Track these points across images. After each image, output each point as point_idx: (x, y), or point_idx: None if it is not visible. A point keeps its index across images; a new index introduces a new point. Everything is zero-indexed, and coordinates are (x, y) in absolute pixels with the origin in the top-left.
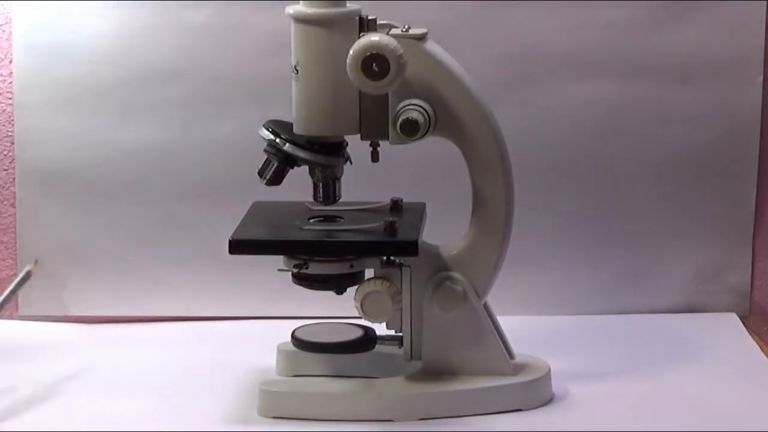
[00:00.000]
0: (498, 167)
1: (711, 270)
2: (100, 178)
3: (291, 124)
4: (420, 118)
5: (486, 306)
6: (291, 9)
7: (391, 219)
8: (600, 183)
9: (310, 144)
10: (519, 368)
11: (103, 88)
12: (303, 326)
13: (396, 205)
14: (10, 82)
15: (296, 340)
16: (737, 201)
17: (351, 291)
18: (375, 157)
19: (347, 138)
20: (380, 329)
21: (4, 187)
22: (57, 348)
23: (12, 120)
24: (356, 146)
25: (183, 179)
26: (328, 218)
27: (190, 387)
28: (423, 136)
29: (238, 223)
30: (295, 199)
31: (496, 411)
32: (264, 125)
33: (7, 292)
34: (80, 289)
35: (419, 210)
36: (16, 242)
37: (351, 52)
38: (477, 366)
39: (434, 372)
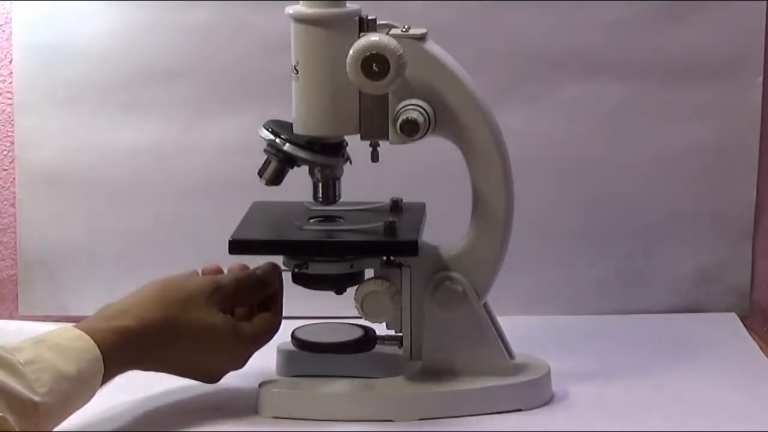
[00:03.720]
0: (498, 167)
1: (711, 270)
2: (100, 178)
3: (291, 124)
4: (420, 118)
5: (486, 306)
6: (291, 9)
7: (391, 219)
8: (600, 183)
9: (310, 144)
10: (519, 368)
11: (103, 87)
12: (303, 326)
13: (396, 205)
14: (10, 82)
15: (296, 340)
16: (737, 201)
17: (351, 291)
18: (375, 157)
19: (347, 138)
20: (380, 329)
21: (4, 187)
22: None
23: (12, 120)
24: (356, 146)
25: (183, 179)
26: (328, 218)
27: (190, 387)
28: (423, 136)
29: (238, 223)
30: (295, 199)
31: (496, 411)
32: (264, 125)
33: None
34: (80, 289)
35: (419, 210)
36: (16, 242)
37: (351, 52)
38: (477, 366)
39: (434, 372)
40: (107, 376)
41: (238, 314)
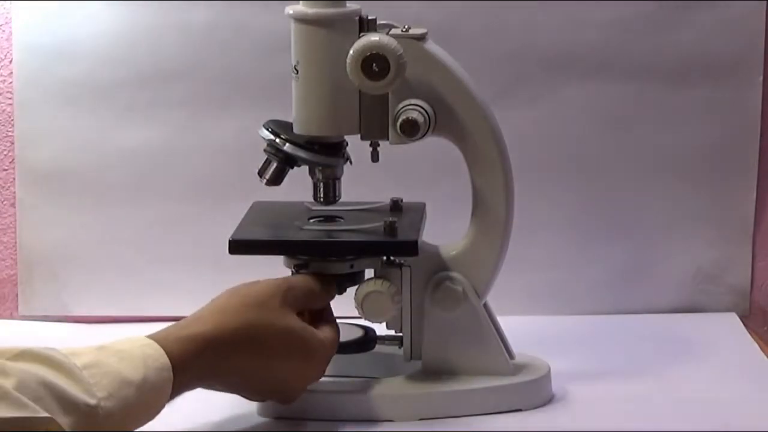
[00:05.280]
0: (498, 167)
1: (711, 270)
2: (100, 178)
3: (291, 124)
4: (420, 118)
5: (486, 306)
6: (291, 9)
7: (391, 219)
8: (599, 183)
9: (310, 144)
10: (519, 368)
11: (103, 88)
12: None
13: (396, 205)
14: (10, 82)
15: None
16: (737, 201)
17: (351, 291)
18: (375, 157)
19: (347, 138)
20: (380, 329)
21: (4, 187)
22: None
23: (12, 120)
24: (356, 146)
25: (183, 179)
26: (328, 218)
27: None
28: (423, 136)
29: (238, 223)
30: (295, 199)
31: (496, 411)
32: (264, 125)
33: None
34: (80, 289)
35: (419, 210)
36: (16, 242)
37: (351, 52)
38: (477, 366)
39: (434, 372)
40: (178, 386)
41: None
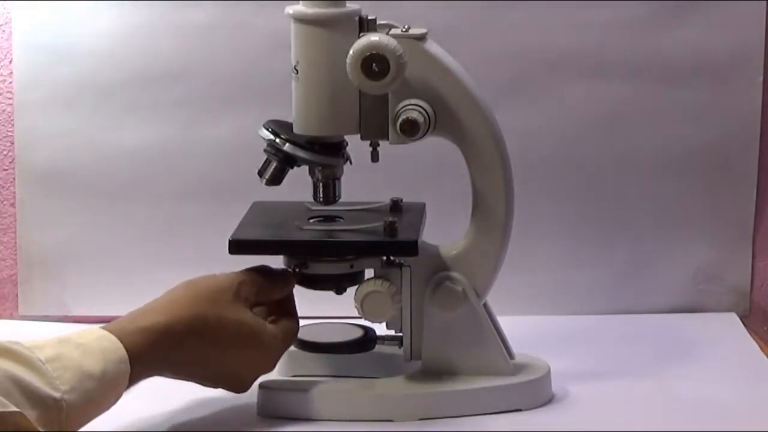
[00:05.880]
0: (498, 167)
1: (711, 270)
2: (100, 178)
3: (291, 124)
4: (420, 118)
5: (486, 306)
6: (291, 9)
7: (391, 219)
8: (600, 183)
9: (310, 144)
10: (519, 368)
11: (103, 88)
12: (303, 326)
13: (396, 205)
14: (10, 82)
15: (296, 340)
16: (737, 201)
17: (351, 291)
18: (375, 157)
19: (347, 138)
20: (380, 329)
21: (4, 187)
22: None
23: (12, 120)
24: (356, 146)
25: (183, 179)
26: (328, 218)
27: (190, 387)
28: (423, 136)
29: (238, 223)
30: (295, 199)
31: (496, 411)
32: (264, 125)
33: None
34: (80, 289)
35: (419, 210)
36: (16, 242)
37: (351, 52)
38: (477, 366)
39: (434, 372)
40: (134, 377)
41: (256, 314)
